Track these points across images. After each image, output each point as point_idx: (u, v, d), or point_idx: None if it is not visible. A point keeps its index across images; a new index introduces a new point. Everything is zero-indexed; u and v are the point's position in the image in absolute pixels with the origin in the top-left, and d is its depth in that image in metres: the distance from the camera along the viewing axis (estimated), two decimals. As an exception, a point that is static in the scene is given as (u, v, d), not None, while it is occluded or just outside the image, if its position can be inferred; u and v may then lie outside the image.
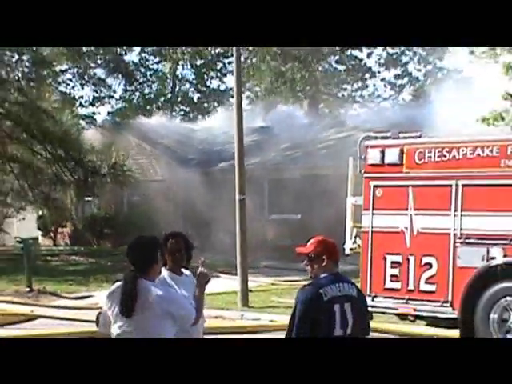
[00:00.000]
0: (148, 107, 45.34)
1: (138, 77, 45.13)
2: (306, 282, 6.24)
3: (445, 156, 12.89)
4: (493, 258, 12.40)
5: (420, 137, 13.36)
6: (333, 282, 6.05)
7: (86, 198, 31.20)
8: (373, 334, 14.54)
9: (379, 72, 45.74)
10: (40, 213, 35.39)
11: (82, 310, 18.09)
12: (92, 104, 42.58)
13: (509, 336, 12.37)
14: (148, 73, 46.92)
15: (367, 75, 45.38)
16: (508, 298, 12.36)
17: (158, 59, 46.67)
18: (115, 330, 6.24)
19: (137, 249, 6.37)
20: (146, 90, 46.77)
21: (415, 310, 13.08)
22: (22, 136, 21.53)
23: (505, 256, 12.31)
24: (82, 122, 34.03)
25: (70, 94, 38.34)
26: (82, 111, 37.25)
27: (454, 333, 13.14)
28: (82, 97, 40.61)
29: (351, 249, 13.90)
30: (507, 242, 12.29)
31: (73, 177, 20.23)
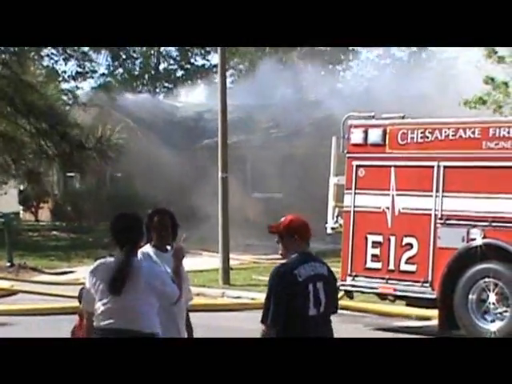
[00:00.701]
0: (131, 83, 45.14)
1: (121, 53, 44.93)
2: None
3: (427, 137, 12.95)
4: (473, 240, 12.50)
5: (403, 118, 13.41)
6: (305, 262, 6.06)
7: (69, 174, 31.09)
8: (354, 314, 14.64)
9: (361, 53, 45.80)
10: (22, 187, 35.27)
11: (63, 286, 18.11)
12: (75, 79, 42.34)
13: (486, 316, 12.50)
14: (132, 49, 46.69)
15: (351, 56, 45.38)
16: (486, 279, 12.47)
17: (142, 35, 46.28)
18: (100, 307, 6.24)
19: (127, 229, 6.32)
20: (130, 66, 46.56)
21: (395, 289, 13.17)
22: (5, 110, 21.37)
23: (484, 237, 12.41)
24: (65, 97, 33.83)
25: (53, 68, 38.09)
26: (65, 86, 36.98)
27: (433, 313, 13.26)
28: (65, 71, 40.36)
29: (333, 228, 13.97)
30: (487, 223, 12.39)
31: (58, 151, 20.15)
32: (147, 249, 6.76)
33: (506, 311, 12.36)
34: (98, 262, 6.40)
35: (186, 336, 6.92)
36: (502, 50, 17.54)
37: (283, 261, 6.18)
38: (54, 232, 30.00)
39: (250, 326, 12.45)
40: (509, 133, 12.30)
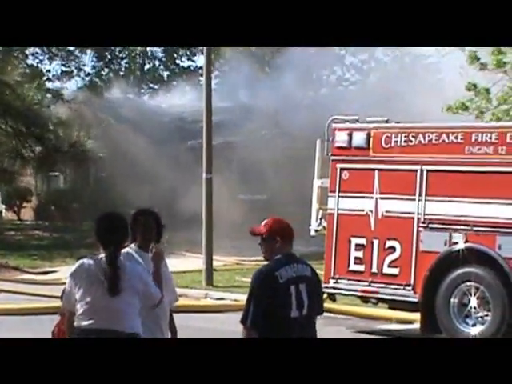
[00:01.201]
0: (117, 83, 45.10)
1: (106, 53, 44.86)
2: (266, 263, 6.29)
3: (411, 141, 13.02)
4: (455, 243, 12.57)
5: (387, 121, 13.48)
6: (287, 264, 6.04)
7: (52, 173, 31.02)
8: (336, 316, 14.66)
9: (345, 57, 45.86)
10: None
11: (45, 285, 18.07)
12: (59, 78, 42.25)
13: (468, 320, 12.57)
14: (117, 49, 46.62)
15: (335, 59, 45.47)
16: (468, 283, 12.54)
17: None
18: (81, 307, 6.23)
19: (111, 230, 6.33)
20: (115, 67, 46.50)
21: (378, 292, 13.22)
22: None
23: (466, 241, 12.49)
24: (49, 96, 33.75)
25: (37, 67, 38.00)
26: (49, 85, 36.91)
27: (415, 316, 13.33)
28: (49, 71, 40.29)
29: (316, 230, 14.00)
30: (469, 227, 12.47)
31: (33, 153, 20.09)
32: (131, 249, 6.77)
33: (487, 315, 12.44)
34: (80, 261, 6.38)
35: (168, 337, 6.93)
36: (484, 57, 17.65)
37: (266, 263, 6.20)
38: (37, 231, 29.91)
39: (232, 327, 12.47)
40: (491, 138, 12.39)
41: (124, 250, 6.55)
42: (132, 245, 6.76)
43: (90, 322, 6.21)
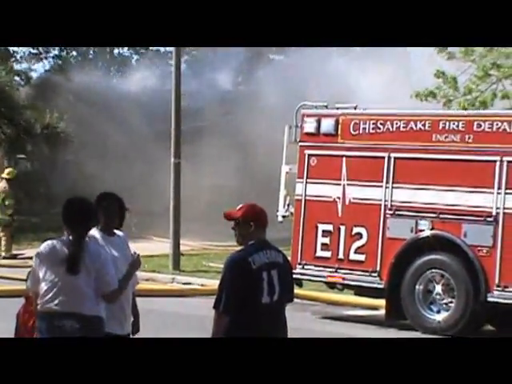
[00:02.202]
0: (85, 66, 44.76)
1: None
2: (237, 248, 6.31)
3: (379, 128, 13.08)
4: (421, 231, 12.67)
5: (355, 108, 13.52)
6: (260, 249, 6.05)
7: (19, 156, 30.76)
8: (302, 302, 14.71)
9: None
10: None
11: (11, 268, 17.95)
12: (27, 60, 41.86)
13: (432, 307, 12.69)
14: (86, 31, 46.17)
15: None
16: (433, 270, 12.66)
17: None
18: (43, 288, 6.31)
19: (78, 213, 6.42)
20: (84, 49, 46.16)
21: (344, 278, 13.30)
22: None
23: (432, 229, 12.59)
24: (17, 79, 33.45)
25: (6, 48, 37.63)
26: (17, 67, 36.54)
27: (381, 302, 13.42)
28: (17, 52, 39.90)
29: (284, 216, 14.03)
30: (435, 215, 12.56)
31: (4, 134, 19.93)
32: (94, 232, 6.76)
33: (451, 302, 12.57)
34: (46, 243, 6.47)
35: (131, 321, 6.94)
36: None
37: (238, 248, 6.21)
38: (3, 214, 29.61)
39: (199, 312, 12.53)
40: (458, 126, 12.48)
41: (89, 234, 6.57)
42: (94, 228, 6.75)
43: (52, 304, 6.27)
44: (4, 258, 20.15)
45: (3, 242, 20.31)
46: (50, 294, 6.29)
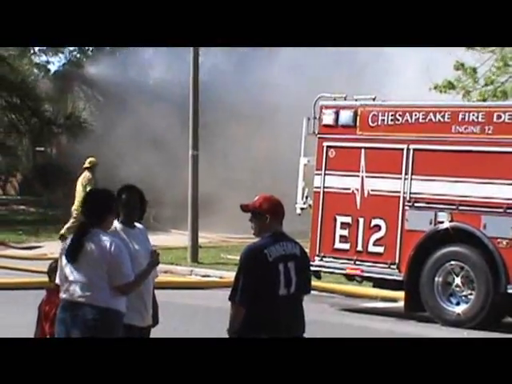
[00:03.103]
0: (102, 59, 44.83)
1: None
2: (254, 240, 6.30)
3: (398, 120, 13.02)
4: (440, 223, 12.61)
5: (374, 100, 13.46)
6: (277, 242, 6.04)
7: (38, 148, 30.90)
8: (321, 294, 14.69)
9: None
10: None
11: (30, 261, 18.03)
12: (45, 53, 41.97)
13: (451, 299, 12.64)
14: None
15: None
16: (453, 262, 12.60)
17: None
18: (61, 278, 6.39)
19: (91, 200, 6.55)
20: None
21: (362, 270, 13.27)
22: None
23: (451, 221, 12.53)
24: (36, 71, 33.57)
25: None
26: (35, 60, 36.65)
27: (400, 294, 13.38)
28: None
29: (302, 208, 14.00)
30: (454, 207, 12.50)
31: (28, 126, 20.05)
32: (115, 225, 6.77)
33: (470, 294, 12.51)
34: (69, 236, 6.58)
35: (151, 313, 6.95)
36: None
37: (254, 240, 6.20)
38: (22, 206, 29.80)
39: (217, 304, 12.51)
40: (478, 118, 12.40)
41: (112, 227, 6.58)
42: (115, 221, 6.76)
43: (67, 294, 6.36)
44: (21, 248, 20.26)
45: (69, 224, 20.09)
46: (65, 285, 6.37)
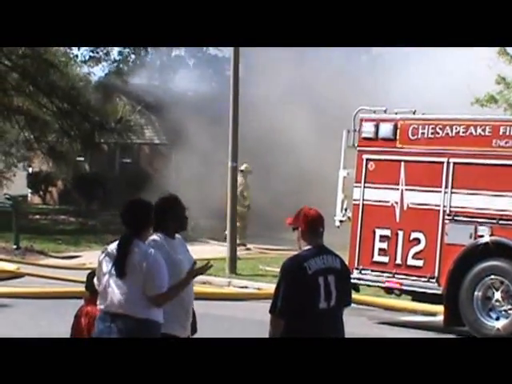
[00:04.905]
0: (143, 70, 45.13)
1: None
2: (293, 252, 6.32)
3: (438, 133, 12.98)
4: (480, 237, 12.53)
5: (414, 113, 13.43)
6: (317, 255, 6.07)
7: (78, 158, 31.14)
8: (359, 307, 14.66)
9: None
10: (30, 170, 35.32)
11: (69, 270, 18.17)
12: (87, 63, 42.31)
13: (491, 314, 12.53)
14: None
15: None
16: (493, 277, 12.50)
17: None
18: (100, 289, 6.42)
19: (131, 211, 6.53)
20: (142, 53, 46.53)
21: (401, 284, 13.20)
22: (28, 89, 21.32)
23: (492, 235, 12.44)
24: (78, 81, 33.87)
25: (66, 52, 38.15)
26: (77, 70, 37.01)
27: (439, 308, 13.30)
28: (77, 56, 40.38)
29: (341, 221, 13.98)
30: (495, 221, 12.41)
31: (79, 131, 20.19)
32: (156, 236, 6.79)
33: (510, 309, 12.40)
34: (106, 246, 6.59)
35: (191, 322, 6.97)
36: (512, 50, 17.52)
37: (295, 252, 6.22)
38: (62, 216, 30.02)
39: (255, 316, 12.54)
40: (519, 132, 12.32)
41: (151, 238, 6.61)
42: (158, 232, 6.78)
43: (105, 305, 6.38)
44: (60, 257, 20.47)
45: (239, 230, 21.13)
46: (104, 296, 6.39)
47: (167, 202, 6.87)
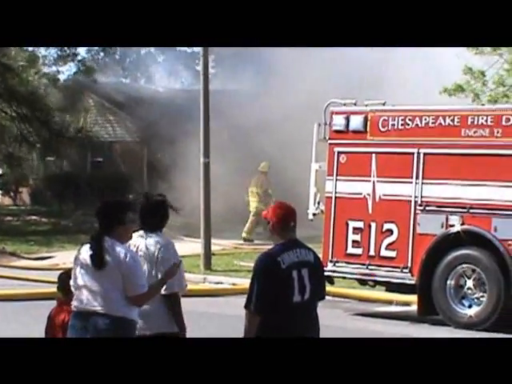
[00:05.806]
0: (112, 68, 44.96)
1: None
2: (268, 246, 6.36)
3: (408, 124, 13.07)
4: (451, 226, 12.64)
5: (384, 105, 13.51)
6: (290, 249, 6.11)
7: (48, 158, 30.96)
8: (334, 299, 14.72)
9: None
10: (0, 171, 35.08)
11: (42, 271, 18.09)
12: (55, 63, 42.06)
13: (464, 301, 12.66)
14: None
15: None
16: (464, 265, 12.63)
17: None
18: (75, 287, 6.42)
19: (102, 212, 6.54)
20: (111, 51, 46.34)
21: (375, 275, 13.30)
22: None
23: (463, 224, 12.56)
24: (45, 81, 33.67)
25: (33, 52, 37.88)
26: (45, 70, 36.78)
27: (413, 298, 13.41)
28: (45, 56, 40.13)
29: (314, 214, 14.04)
30: (465, 210, 12.53)
31: (38, 137, 20.08)
32: (137, 234, 6.82)
33: (482, 296, 12.54)
34: (81, 245, 6.59)
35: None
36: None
37: (268, 247, 6.26)
38: (34, 217, 29.84)
39: (231, 311, 12.57)
40: (487, 121, 12.44)
41: (134, 236, 6.65)
42: (141, 231, 6.82)
43: (79, 304, 6.38)
44: (33, 259, 20.39)
45: (248, 225, 21.89)
46: (79, 295, 6.39)
47: (141, 200, 6.92)
